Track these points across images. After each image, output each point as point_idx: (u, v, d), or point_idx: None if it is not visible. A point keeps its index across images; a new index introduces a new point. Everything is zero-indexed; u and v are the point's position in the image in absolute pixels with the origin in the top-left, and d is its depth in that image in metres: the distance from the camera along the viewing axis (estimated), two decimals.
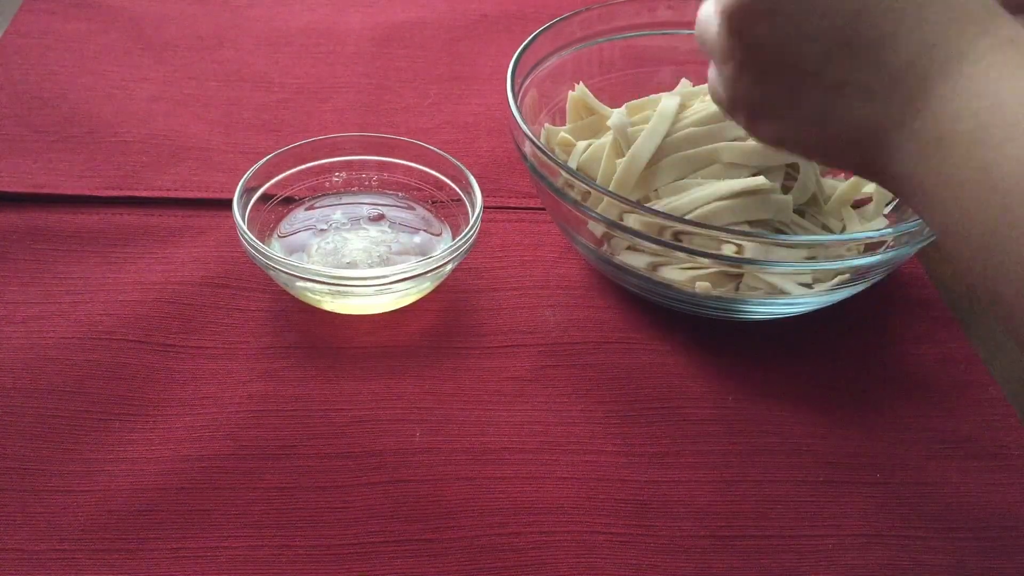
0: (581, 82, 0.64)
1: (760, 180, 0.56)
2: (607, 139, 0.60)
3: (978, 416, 0.54)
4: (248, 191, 0.58)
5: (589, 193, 0.55)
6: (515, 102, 0.57)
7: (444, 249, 0.55)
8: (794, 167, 0.58)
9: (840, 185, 0.61)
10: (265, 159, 0.59)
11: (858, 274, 0.54)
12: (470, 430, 0.51)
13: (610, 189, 0.57)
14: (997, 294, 0.33)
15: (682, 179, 0.58)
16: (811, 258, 0.53)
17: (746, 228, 0.56)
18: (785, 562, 0.47)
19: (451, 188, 0.61)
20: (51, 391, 0.52)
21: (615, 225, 0.53)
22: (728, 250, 0.52)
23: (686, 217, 0.55)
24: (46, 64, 0.75)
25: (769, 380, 0.55)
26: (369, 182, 0.63)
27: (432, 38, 0.82)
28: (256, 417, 0.51)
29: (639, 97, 0.63)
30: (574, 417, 0.53)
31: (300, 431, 0.51)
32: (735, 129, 0.58)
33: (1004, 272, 0.32)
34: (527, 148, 0.56)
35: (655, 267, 0.56)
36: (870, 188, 0.62)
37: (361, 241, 0.59)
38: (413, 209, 0.62)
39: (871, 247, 0.52)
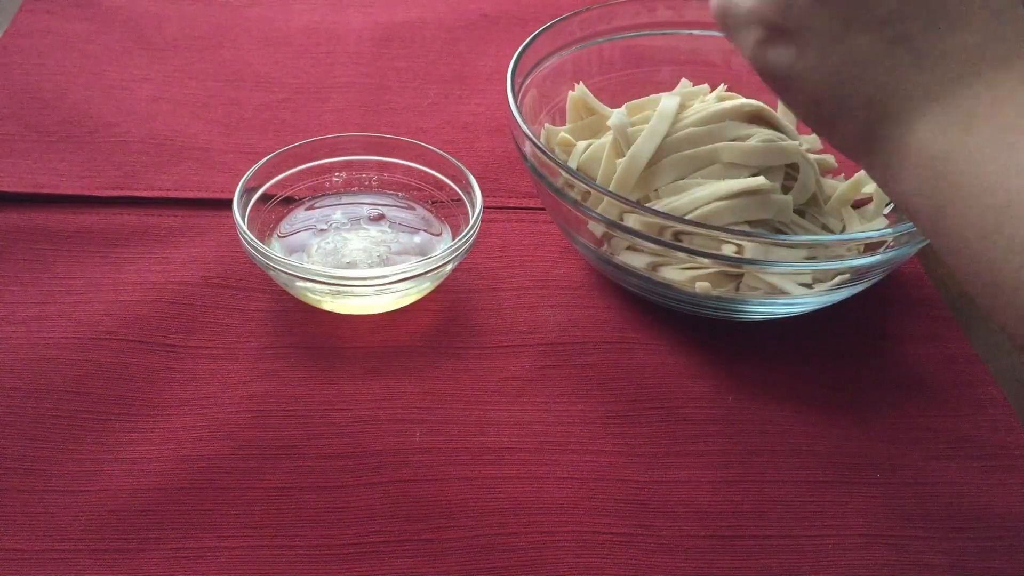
0: (581, 82, 0.64)
1: (760, 180, 0.56)
2: (607, 139, 0.60)
3: (978, 416, 0.54)
4: (248, 191, 0.58)
5: (589, 193, 0.55)
6: (515, 102, 0.57)
7: (444, 249, 0.55)
8: (794, 167, 0.58)
9: (840, 185, 0.61)
10: (265, 159, 0.59)
11: (858, 274, 0.54)
12: (470, 430, 0.51)
13: (610, 189, 0.57)
14: (996, 268, 0.33)
15: (682, 179, 0.58)
16: (811, 258, 0.53)
17: (746, 228, 0.56)
18: (785, 562, 0.47)
19: (451, 188, 0.61)
20: (51, 391, 0.52)
21: (615, 225, 0.53)
22: (728, 250, 0.52)
23: (686, 217, 0.55)
24: (46, 64, 0.75)
25: (769, 380, 0.55)
26: (369, 182, 0.63)
27: (432, 38, 0.82)
28: (256, 417, 0.51)
29: (639, 97, 0.63)
30: (574, 417, 0.53)
31: (300, 431, 0.51)
32: (735, 129, 0.58)
33: (1012, 250, 0.33)
34: (527, 148, 0.56)
35: (655, 267, 0.56)
36: (870, 188, 0.62)
37: (361, 241, 0.59)
38: (413, 209, 0.62)
39: (871, 247, 0.52)
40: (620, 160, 0.58)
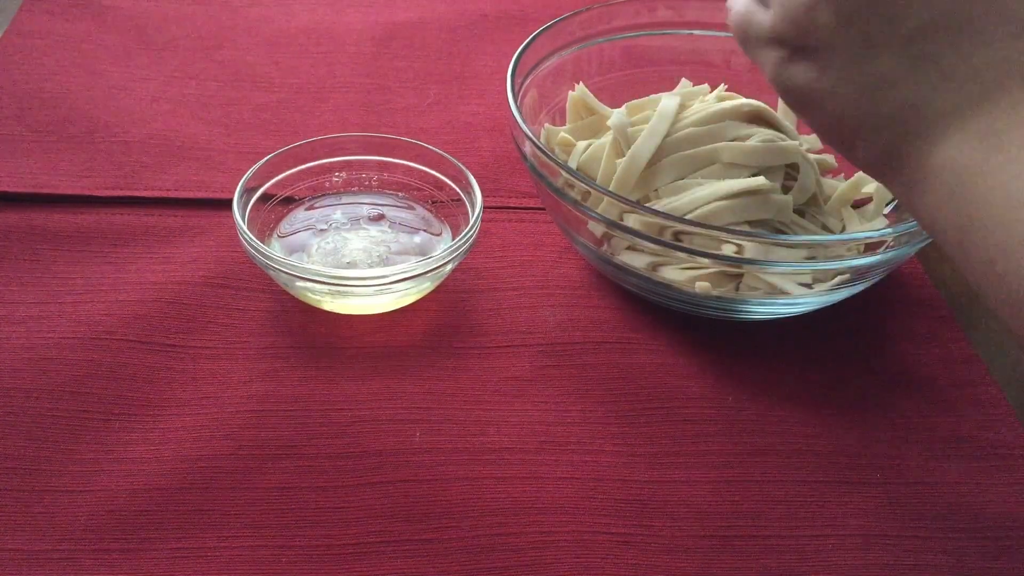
0: (581, 82, 0.64)
1: (760, 180, 0.56)
2: (607, 139, 0.60)
3: (978, 416, 0.54)
4: (248, 191, 0.58)
5: (589, 193, 0.55)
6: (515, 102, 0.57)
7: (444, 249, 0.55)
8: (794, 167, 0.58)
9: (840, 185, 0.61)
10: (265, 159, 0.59)
11: (858, 274, 0.54)
12: (470, 430, 0.51)
13: (610, 189, 0.57)
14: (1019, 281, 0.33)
15: (682, 179, 0.58)
16: (811, 258, 0.53)
17: (746, 228, 0.56)
18: (785, 562, 0.47)
19: (451, 188, 0.61)
20: (51, 391, 0.52)
21: (615, 225, 0.53)
22: (728, 250, 0.52)
23: (686, 217, 0.55)
24: (46, 64, 0.75)
25: (769, 380, 0.55)
26: (369, 182, 0.63)
27: (432, 38, 0.82)
28: (256, 417, 0.51)
29: (639, 97, 0.63)
30: (574, 417, 0.53)
31: (300, 431, 0.51)
32: (735, 129, 0.58)
33: None
34: (527, 148, 0.56)
35: (655, 267, 0.56)
36: (870, 188, 0.62)
37: (361, 241, 0.59)
38: (413, 209, 0.62)
39: (871, 247, 0.52)
40: (620, 160, 0.58)
